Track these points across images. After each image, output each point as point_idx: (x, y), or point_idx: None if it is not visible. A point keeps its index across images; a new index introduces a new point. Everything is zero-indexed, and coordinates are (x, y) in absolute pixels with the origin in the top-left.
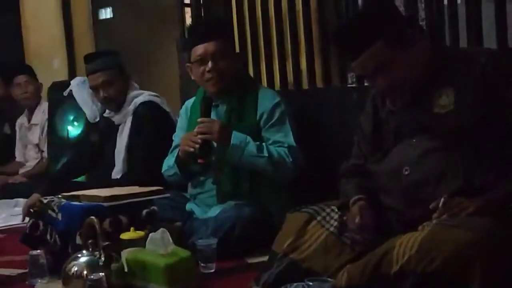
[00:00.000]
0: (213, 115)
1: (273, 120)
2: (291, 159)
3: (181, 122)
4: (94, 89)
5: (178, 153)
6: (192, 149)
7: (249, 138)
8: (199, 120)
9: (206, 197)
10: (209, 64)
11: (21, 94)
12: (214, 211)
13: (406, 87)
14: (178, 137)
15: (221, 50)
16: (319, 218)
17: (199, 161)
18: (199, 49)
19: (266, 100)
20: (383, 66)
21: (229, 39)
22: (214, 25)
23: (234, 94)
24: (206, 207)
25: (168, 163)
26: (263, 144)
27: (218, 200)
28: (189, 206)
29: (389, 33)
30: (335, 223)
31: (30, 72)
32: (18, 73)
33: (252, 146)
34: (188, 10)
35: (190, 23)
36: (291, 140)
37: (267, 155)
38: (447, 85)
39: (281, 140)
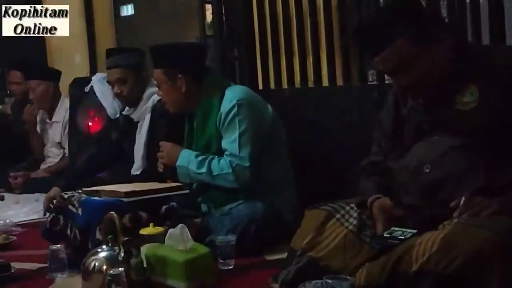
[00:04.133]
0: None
1: (225, 125)
2: (230, 170)
3: None
4: (110, 84)
5: None
6: (161, 170)
7: (193, 156)
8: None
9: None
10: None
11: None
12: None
13: (429, 84)
14: None
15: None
16: (338, 216)
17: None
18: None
19: (225, 102)
20: (406, 62)
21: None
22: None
23: (199, 104)
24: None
25: None
26: (209, 157)
27: (216, 205)
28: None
29: (413, 29)
30: (354, 221)
31: (38, 74)
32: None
33: (193, 164)
34: (208, 7)
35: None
36: (234, 147)
37: (205, 171)
38: (471, 82)
39: (226, 148)
